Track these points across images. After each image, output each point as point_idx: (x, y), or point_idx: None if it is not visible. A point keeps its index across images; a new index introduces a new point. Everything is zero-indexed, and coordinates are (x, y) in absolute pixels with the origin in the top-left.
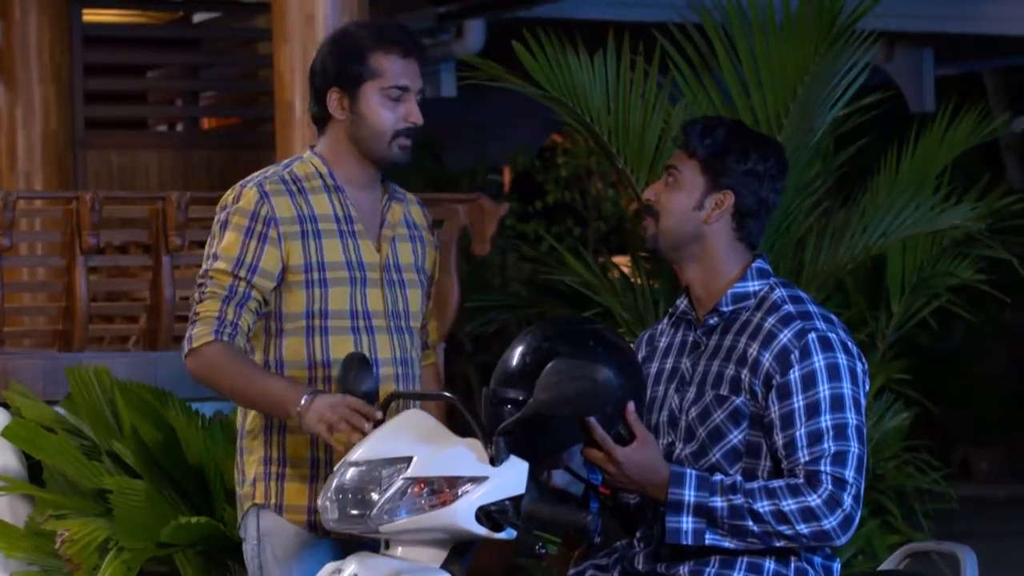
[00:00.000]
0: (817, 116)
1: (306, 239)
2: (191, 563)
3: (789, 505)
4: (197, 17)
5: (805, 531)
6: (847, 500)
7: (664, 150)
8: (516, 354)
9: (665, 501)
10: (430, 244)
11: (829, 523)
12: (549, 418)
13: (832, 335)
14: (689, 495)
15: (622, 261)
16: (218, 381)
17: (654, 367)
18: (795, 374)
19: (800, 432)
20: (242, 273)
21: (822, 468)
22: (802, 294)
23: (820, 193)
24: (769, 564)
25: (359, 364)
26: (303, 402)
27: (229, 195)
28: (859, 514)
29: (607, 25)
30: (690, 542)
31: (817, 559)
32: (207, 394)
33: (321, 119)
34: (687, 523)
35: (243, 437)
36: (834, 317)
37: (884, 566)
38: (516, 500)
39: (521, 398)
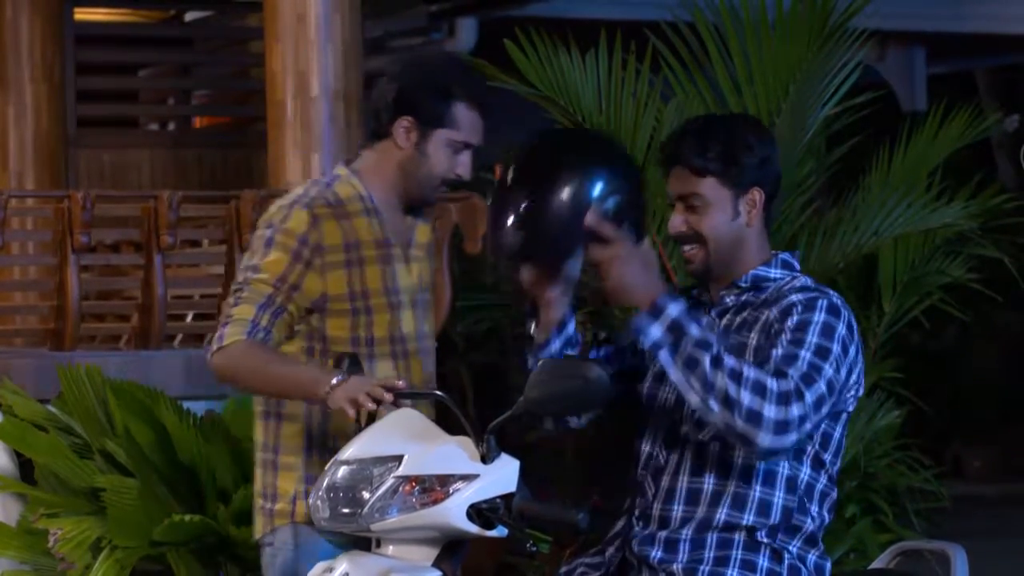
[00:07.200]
0: (809, 115)
1: (350, 268)
2: (184, 561)
3: (750, 371)
4: (189, 16)
5: (745, 401)
6: (795, 411)
7: (656, 149)
8: (522, 156)
9: (649, 307)
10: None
11: (770, 411)
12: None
13: (844, 311)
14: (674, 310)
15: None
16: (244, 375)
17: None
18: (792, 320)
19: (777, 351)
20: (283, 289)
21: (791, 373)
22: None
23: (812, 192)
24: (762, 562)
25: (351, 365)
26: (334, 381)
27: (276, 214)
28: (794, 438)
29: (599, 24)
30: (646, 346)
31: (811, 557)
32: (199, 393)
33: (377, 135)
34: (656, 330)
35: (276, 452)
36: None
37: (875, 564)
38: (507, 498)
39: (531, 200)
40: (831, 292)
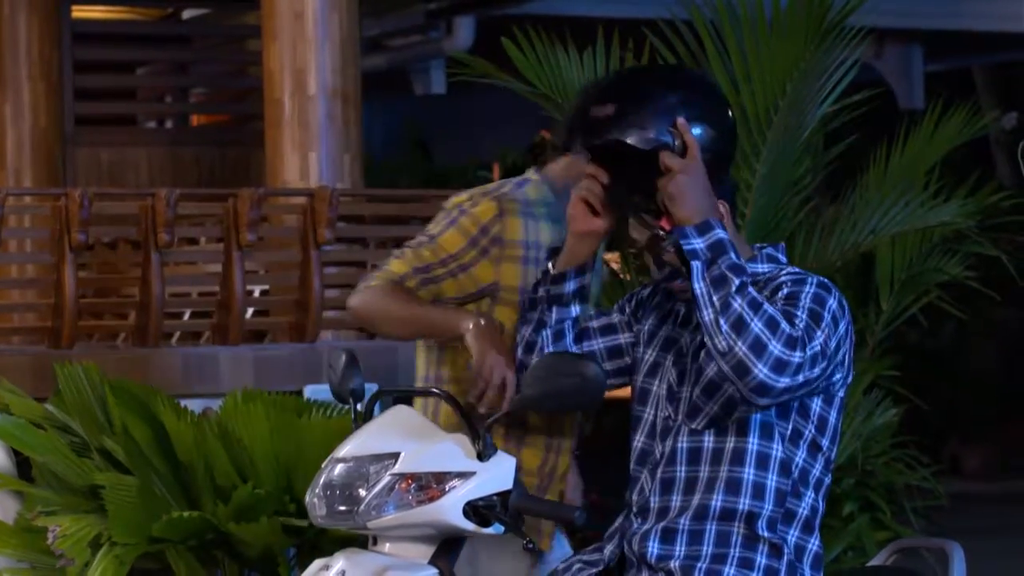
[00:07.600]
0: (807, 113)
1: (527, 265)
2: (183, 558)
3: (769, 307)
4: (186, 14)
5: (755, 330)
6: (796, 356)
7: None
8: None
9: (700, 223)
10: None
11: (775, 347)
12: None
13: (835, 290)
14: (721, 233)
15: (611, 258)
16: (380, 313)
17: (647, 325)
18: (782, 293)
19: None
20: (448, 265)
21: (797, 323)
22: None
23: (809, 190)
24: (760, 559)
25: (350, 363)
26: (481, 321)
27: (465, 199)
28: (786, 383)
29: (596, 22)
30: (684, 249)
31: (809, 546)
32: (197, 390)
33: (560, 150)
34: (698, 242)
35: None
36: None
37: (873, 562)
38: (504, 495)
39: (632, 89)
40: (822, 277)
